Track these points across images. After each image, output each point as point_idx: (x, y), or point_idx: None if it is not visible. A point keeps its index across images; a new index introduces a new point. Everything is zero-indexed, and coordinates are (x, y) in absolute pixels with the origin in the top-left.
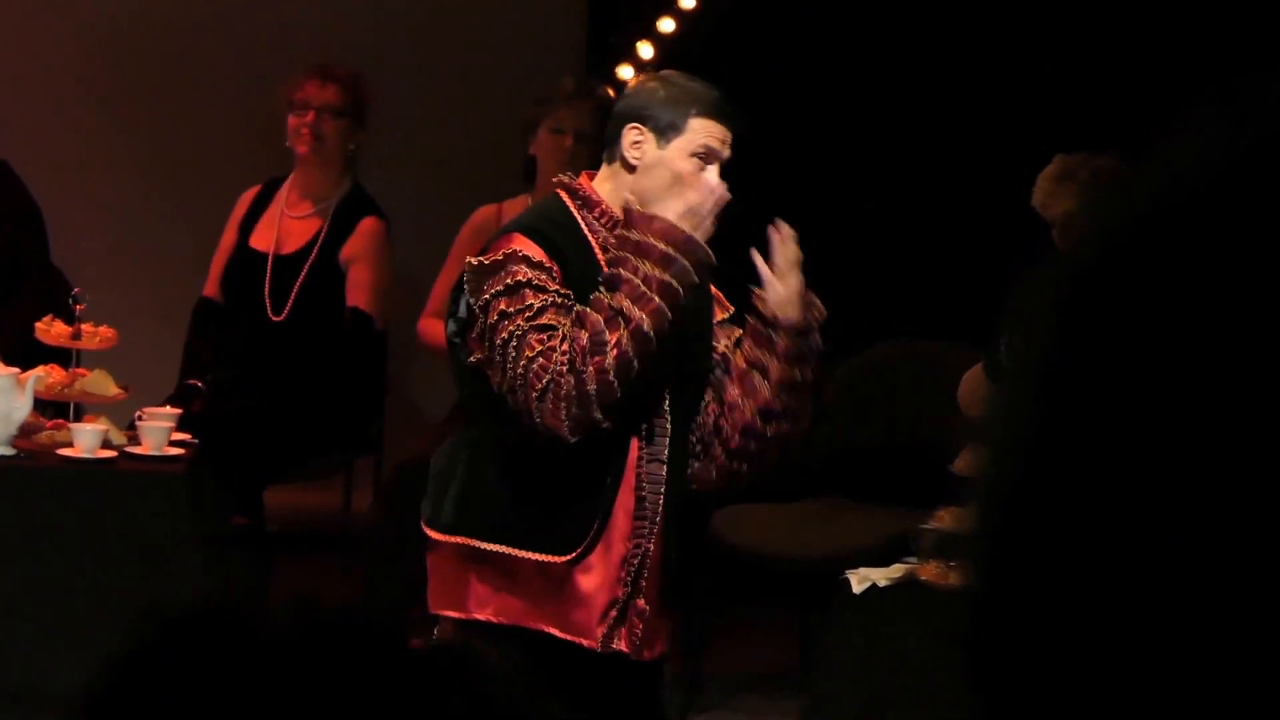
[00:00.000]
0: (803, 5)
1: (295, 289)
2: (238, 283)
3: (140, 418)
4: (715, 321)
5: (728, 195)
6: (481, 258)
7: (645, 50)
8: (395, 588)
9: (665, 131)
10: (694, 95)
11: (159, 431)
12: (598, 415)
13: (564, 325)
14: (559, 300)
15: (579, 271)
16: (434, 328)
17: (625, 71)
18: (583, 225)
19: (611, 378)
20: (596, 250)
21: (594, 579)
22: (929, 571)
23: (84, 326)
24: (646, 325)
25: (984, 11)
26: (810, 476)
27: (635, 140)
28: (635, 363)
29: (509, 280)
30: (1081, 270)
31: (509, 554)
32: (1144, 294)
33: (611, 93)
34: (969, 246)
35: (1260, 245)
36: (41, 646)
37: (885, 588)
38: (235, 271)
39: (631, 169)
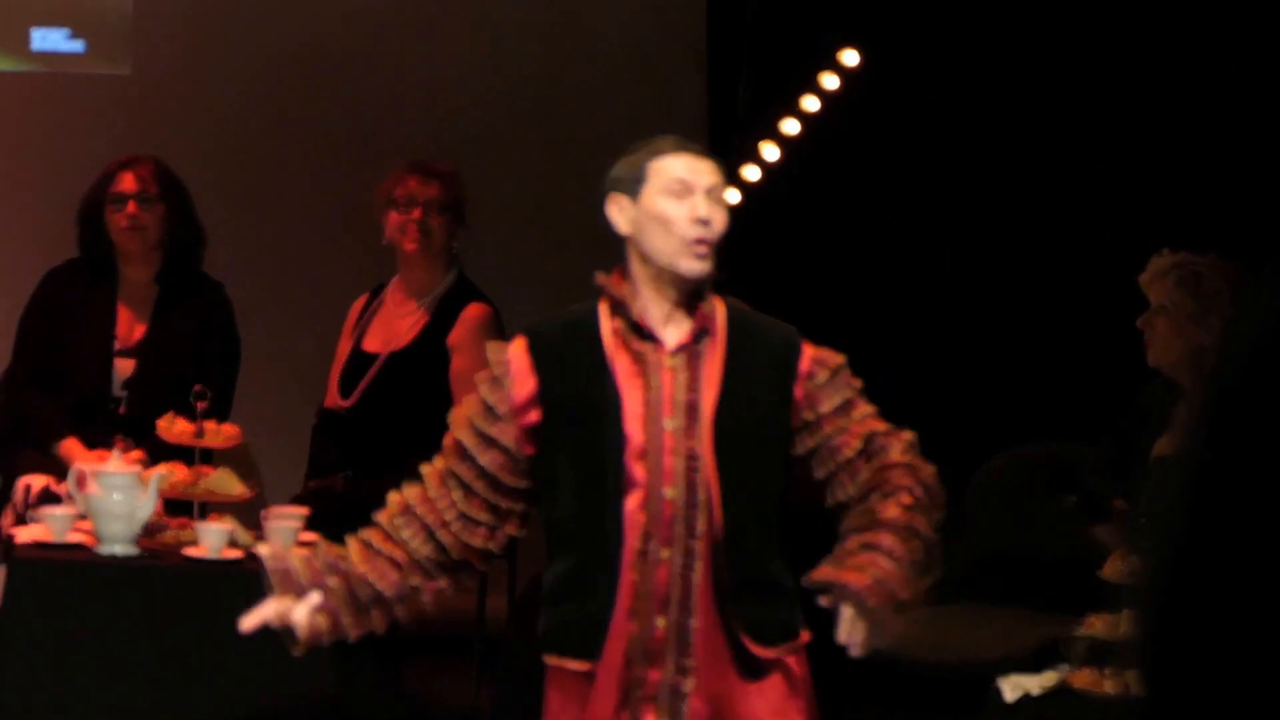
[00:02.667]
0: (933, 96)
1: (404, 382)
2: (353, 385)
3: (266, 517)
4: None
5: (712, 218)
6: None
7: (770, 151)
8: (528, 695)
9: (632, 187)
10: (646, 145)
11: (286, 531)
12: None
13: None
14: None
15: (584, 365)
16: None
17: (750, 172)
18: (601, 317)
19: None
20: (606, 341)
21: (603, 667)
22: (1083, 679)
23: (207, 425)
24: None
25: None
26: (955, 581)
27: (618, 210)
28: None
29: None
30: (1228, 379)
31: (552, 663)
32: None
33: (733, 189)
34: (1115, 348)
35: None
36: None
37: (1038, 696)
38: (351, 376)
39: (628, 238)
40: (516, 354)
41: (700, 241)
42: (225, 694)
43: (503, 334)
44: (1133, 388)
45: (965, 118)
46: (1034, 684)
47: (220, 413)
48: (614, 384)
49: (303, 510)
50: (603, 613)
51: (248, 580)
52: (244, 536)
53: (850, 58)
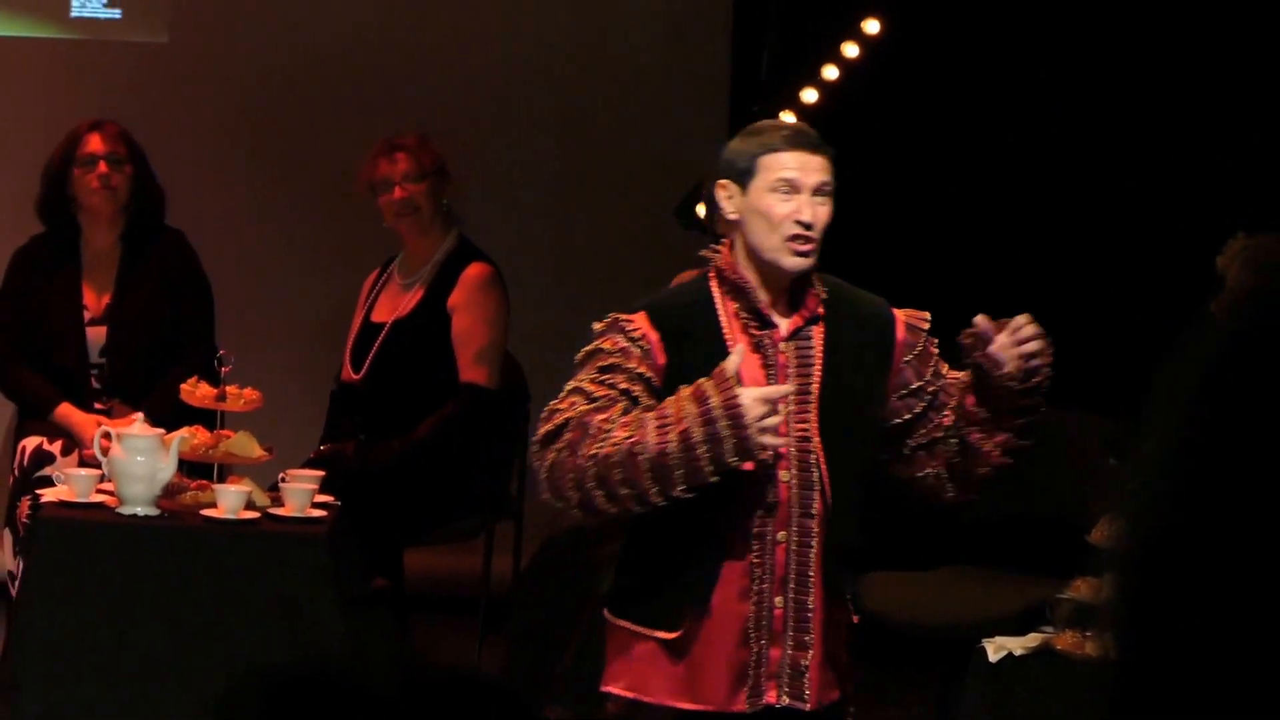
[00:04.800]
0: (950, 76)
1: (408, 350)
2: (363, 357)
3: (284, 479)
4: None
5: (815, 218)
6: (603, 321)
7: (789, 120)
8: (534, 657)
9: (742, 177)
10: (760, 135)
11: (302, 494)
12: (555, 501)
13: (603, 400)
14: (624, 381)
15: (703, 347)
16: None
17: None
18: (716, 299)
19: (572, 477)
20: (724, 323)
21: (711, 648)
22: (1065, 641)
23: (229, 389)
24: (642, 451)
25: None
26: (948, 544)
27: (726, 196)
28: (607, 480)
29: (593, 346)
30: (1226, 350)
31: (634, 630)
32: None
33: None
34: (1113, 318)
35: None
36: (183, 705)
37: (1021, 656)
38: (361, 348)
39: (734, 224)
40: (644, 326)
41: (800, 238)
42: (239, 650)
43: (504, 292)
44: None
45: (987, 88)
46: (1017, 645)
47: (206, 353)
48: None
49: (318, 473)
50: (704, 591)
51: (264, 540)
52: (261, 498)
53: (872, 26)
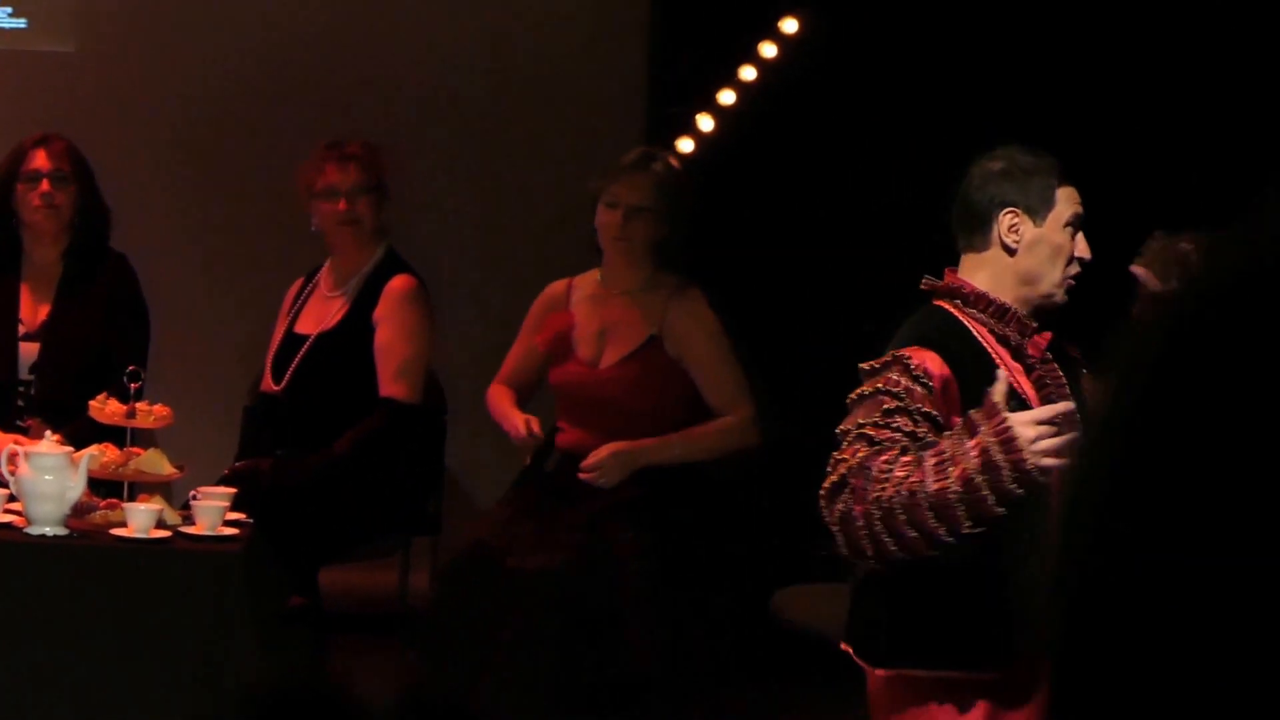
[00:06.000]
0: (868, 72)
1: (331, 362)
2: (285, 368)
3: (195, 497)
4: None
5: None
6: (873, 361)
7: (705, 123)
8: (447, 675)
9: (1039, 209)
10: (1052, 167)
11: (214, 511)
12: (852, 556)
13: (885, 443)
14: (909, 423)
15: (976, 380)
16: (500, 394)
17: (685, 144)
18: (972, 327)
19: (861, 526)
20: (992, 349)
21: (1037, 677)
22: None
23: (139, 405)
24: (921, 491)
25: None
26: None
27: (1012, 224)
28: (892, 525)
29: (878, 384)
30: (1158, 359)
31: (947, 677)
32: (1208, 386)
33: (675, 164)
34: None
35: None
36: None
37: None
38: (283, 359)
39: (1012, 252)
40: (926, 362)
41: (1075, 278)
42: (152, 672)
43: (428, 305)
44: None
45: (905, 88)
46: None
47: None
48: (1021, 394)
49: (229, 490)
50: (1010, 618)
51: (176, 559)
52: (172, 516)
53: (790, 26)
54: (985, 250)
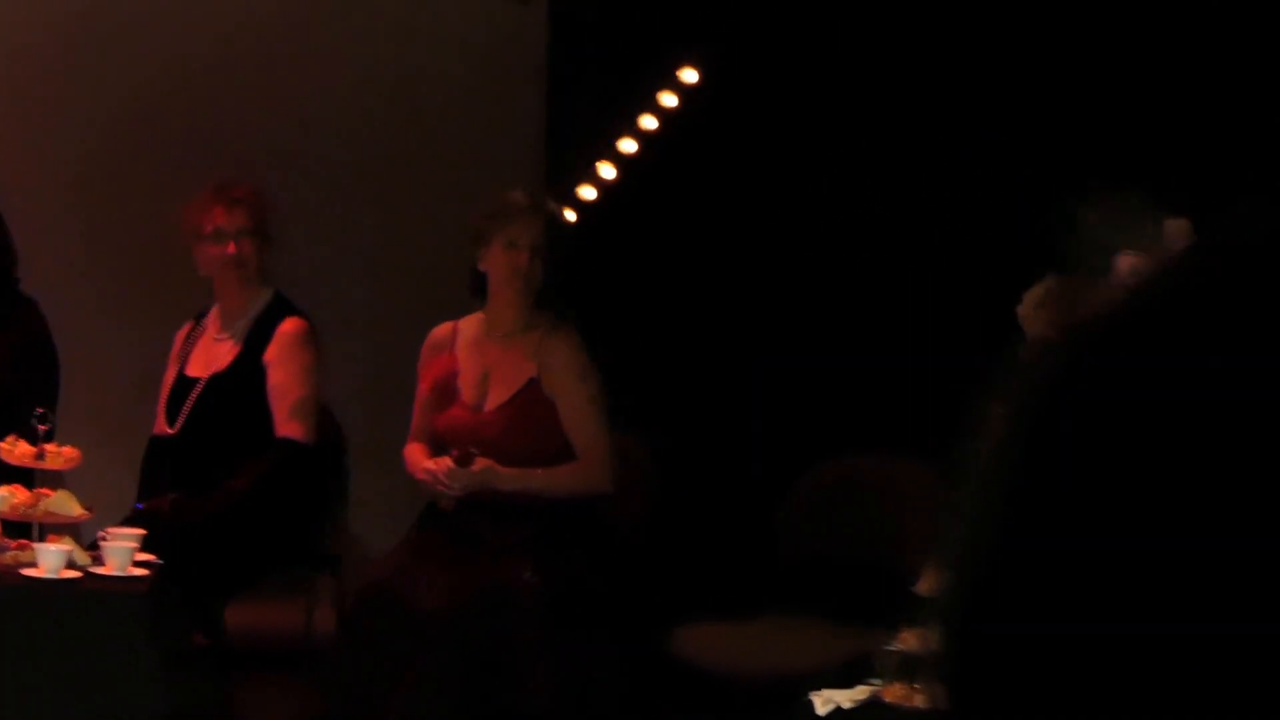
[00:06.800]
0: (763, 126)
1: (225, 404)
2: (178, 411)
3: (103, 538)
4: None
5: None
6: None
7: (606, 170)
8: (353, 710)
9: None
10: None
11: (123, 552)
12: None
13: None
14: None
15: None
16: (412, 452)
17: (587, 191)
18: None
19: None
20: None
21: None
22: (894, 693)
23: (48, 447)
24: None
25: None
26: (772, 592)
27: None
28: None
29: None
30: (1043, 393)
31: None
32: (1101, 419)
33: (568, 210)
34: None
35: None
36: None
37: (849, 709)
38: (176, 402)
39: None
40: None
41: None
42: (63, 709)
43: (317, 347)
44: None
45: (805, 137)
46: (845, 698)
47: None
48: None
49: (138, 531)
50: None
51: (86, 599)
52: (81, 557)
53: (690, 76)
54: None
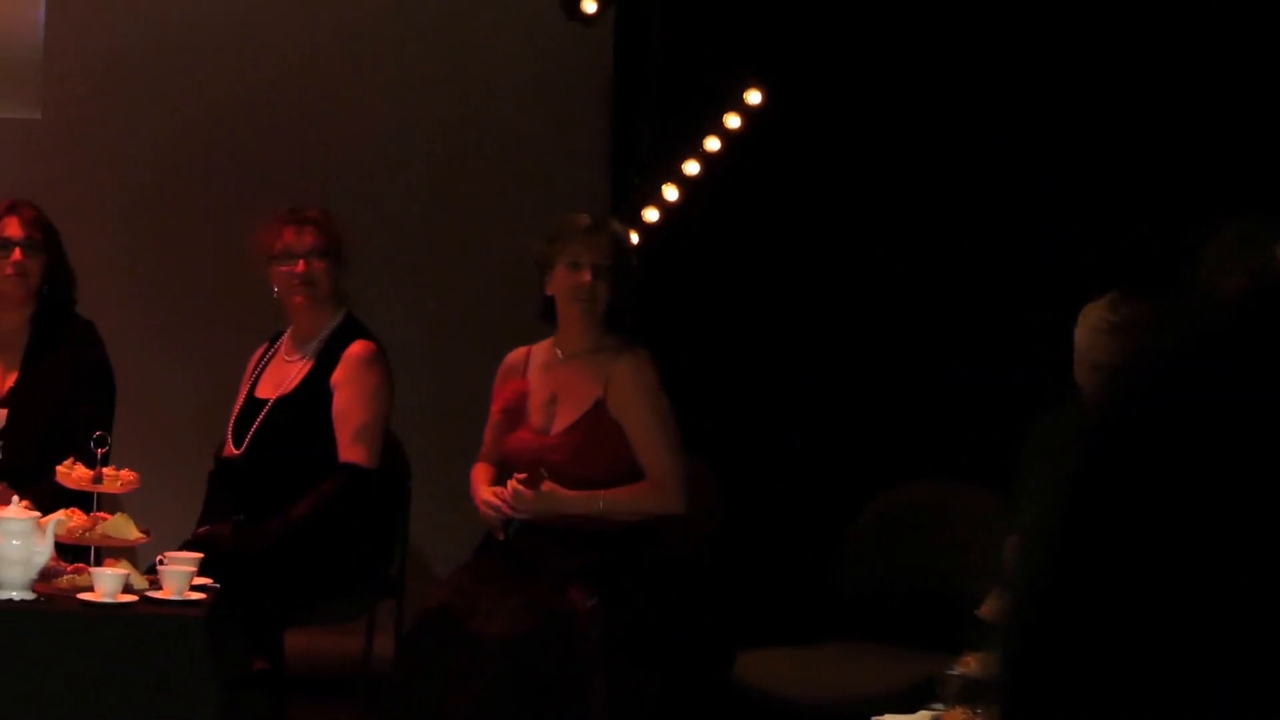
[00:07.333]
0: (833, 142)
1: (291, 427)
2: (245, 433)
3: (161, 562)
4: None
5: None
6: None
7: (670, 192)
8: None
9: None
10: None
11: (180, 576)
12: None
13: None
14: None
15: None
16: (477, 474)
17: (651, 213)
18: None
19: None
20: None
21: None
22: (955, 718)
23: (105, 470)
24: None
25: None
26: (833, 619)
27: None
28: None
29: None
30: (1102, 422)
31: None
32: (1161, 446)
33: (633, 232)
34: (1000, 389)
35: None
36: None
37: None
38: (244, 424)
39: None
40: None
41: None
42: None
43: (386, 370)
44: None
45: (870, 157)
46: None
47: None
48: None
49: (196, 555)
50: None
51: (143, 624)
52: (139, 581)
53: (754, 97)
54: None
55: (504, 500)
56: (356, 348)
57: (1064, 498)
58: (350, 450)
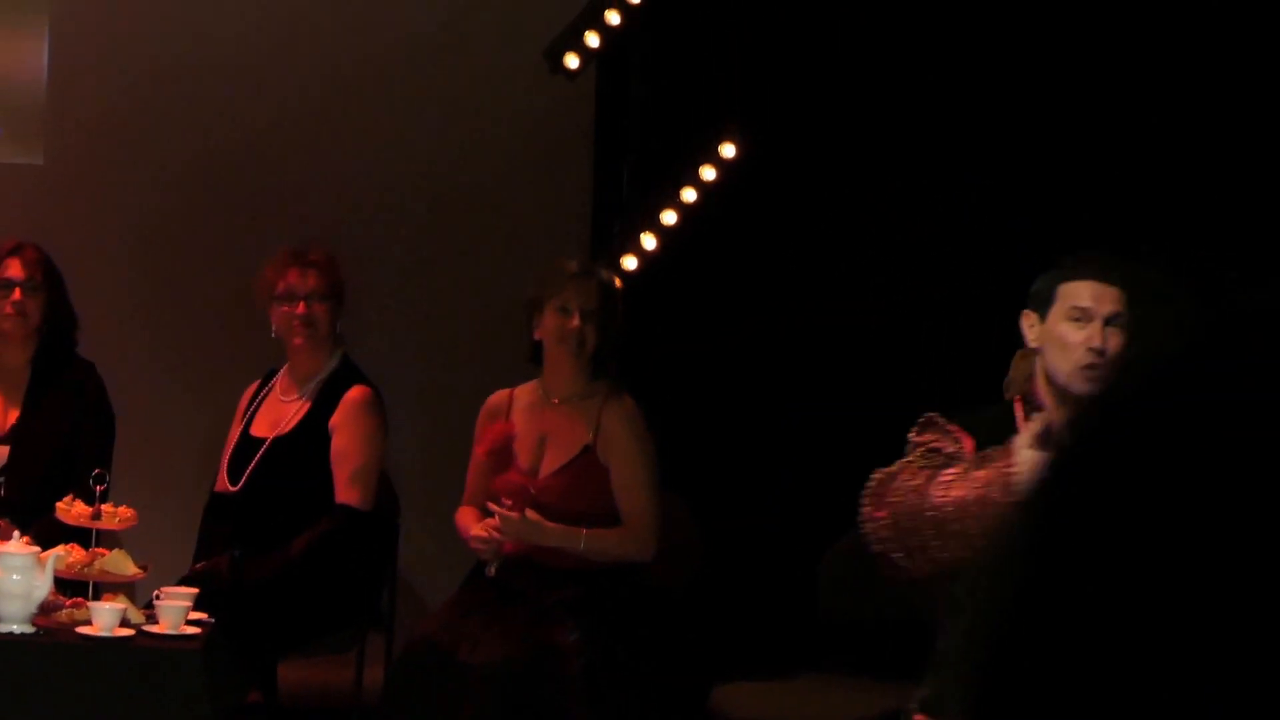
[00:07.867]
0: (807, 195)
1: (288, 466)
2: (241, 469)
3: (158, 597)
4: None
5: (1107, 346)
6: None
7: (648, 241)
8: None
9: (1042, 307)
10: (1065, 264)
11: (176, 610)
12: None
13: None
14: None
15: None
16: (463, 516)
17: (629, 261)
18: (1019, 419)
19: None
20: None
21: None
22: None
23: (104, 507)
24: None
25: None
26: (808, 651)
27: (1029, 325)
28: (899, 529)
29: (911, 449)
30: (1059, 464)
31: None
32: (1154, 449)
33: (616, 279)
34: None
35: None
36: None
37: None
38: (239, 461)
39: (1036, 351)
40: (958, 432)
41: (1091, 367)
42: None
43: (382, 415)
44: None
45: (842, 210)
46: None
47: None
48: None
49: (192, 590)
50: None
51: (140, 657)
52: (136, 615)
53: (728, 150)
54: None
55: (493, 529)
56: (355, 393)
57: (1023, 523)
58: (347, 492)
